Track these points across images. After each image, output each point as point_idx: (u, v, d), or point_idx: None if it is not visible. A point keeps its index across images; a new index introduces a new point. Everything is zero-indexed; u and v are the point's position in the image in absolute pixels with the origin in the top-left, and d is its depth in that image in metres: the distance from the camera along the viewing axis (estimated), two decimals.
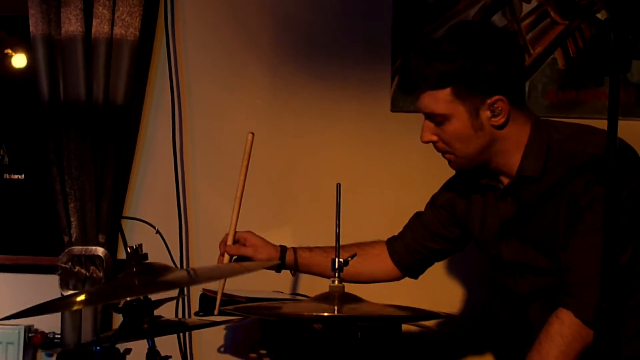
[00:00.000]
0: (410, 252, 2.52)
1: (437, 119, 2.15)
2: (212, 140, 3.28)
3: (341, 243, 2.02)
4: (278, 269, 2.53)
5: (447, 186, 2.46)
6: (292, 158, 3.26)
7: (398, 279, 2.57)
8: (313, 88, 3.25)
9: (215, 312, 2.38)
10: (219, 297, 2.38)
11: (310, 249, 2.55)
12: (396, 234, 2.58)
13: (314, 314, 1.84)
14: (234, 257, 2.44)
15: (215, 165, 3.24)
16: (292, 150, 3.26)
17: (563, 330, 2.04)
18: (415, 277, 2.58)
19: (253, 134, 2.42)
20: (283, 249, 2.52)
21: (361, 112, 3.22)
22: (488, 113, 2.12)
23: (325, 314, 1.81)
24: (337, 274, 1.94)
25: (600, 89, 3.00)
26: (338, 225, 1.98)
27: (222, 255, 2.44)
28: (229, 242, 2.43)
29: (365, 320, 1.99)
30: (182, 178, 3.26)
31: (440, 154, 2.24)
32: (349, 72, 3.22)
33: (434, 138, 2.19)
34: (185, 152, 3.27)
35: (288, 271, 2.58)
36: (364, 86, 3.22)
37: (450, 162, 2.24)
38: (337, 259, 1.94)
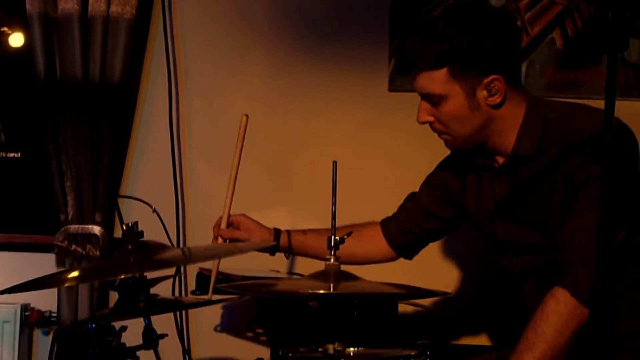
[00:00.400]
0: (404, 233, 2.51)
1: (434, 100, 2.15)
2: (209, 119, 3.27)
3: (337, 223, 2.02)
4: (272, 251, 2.52)
5: (442, 166, 2.46)
6: (290, 138, 3.25)
7: (392, 259, 2.58)
8: (311, 68, 3.23)
9: (209, 294, 2.37)
10: (212, 280, 2.37)
11: (304, 231, 2.55)
12: (392, 213, 2.57)
13: (310, 291, 1.84)
14: (227, 241, 2.43)
15: (212, 144, 3.23)
16: (289, 130, 3.25)
17: (559, 309, 2.03)
18: (410, 257, 2.58)
19: (247, 116, 2.40)
20: (277, 232, 2.51)
21: (359, 92, 3.21)
22: (485, 93, 2.12)
23: (321, 291, 1.80)
24: (332, 252, 1.94)
25: (598, 69, 2.99)
26: (334, 203, 1.98)
27: (215, 238, 2.43)
28: (223, 225, 2.42)
29: (361, 297, 1.99)
30: (179, 157, 3.25)
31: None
32: (347, 51, 3.21)
33: (430, 119, 2.19)
34: (182, 131, 3.26)
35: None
36: (362, 66, 3.21)
37: (446, 143, 2.24)
38: (333, 237, 1.94)
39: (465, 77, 2.10)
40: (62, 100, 3.10)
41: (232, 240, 2.43)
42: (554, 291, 2.06)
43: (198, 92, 3.28)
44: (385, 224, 2.55)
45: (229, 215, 2.43)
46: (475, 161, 2.27)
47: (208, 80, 3.27)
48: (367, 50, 3.18)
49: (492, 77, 2.10)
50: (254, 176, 3.19)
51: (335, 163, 2.01)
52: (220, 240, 2.42)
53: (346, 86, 3.21)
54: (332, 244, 1.93)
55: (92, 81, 3.10)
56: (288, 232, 2.53)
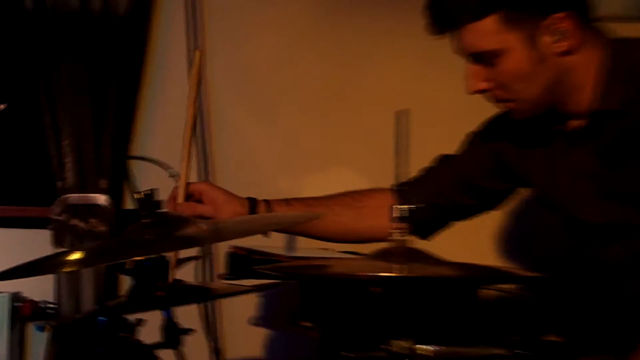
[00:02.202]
0: (428, 205, 2.41)
1: (486, 58, 2.09)
2: (236, 61, 3.27)
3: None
4: None
5: (495, 127, 2.39)
6: (339, 88, 3.31)
7: None
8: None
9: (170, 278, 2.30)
10: (173, 263, 2.27)
11: (287, 201, 2.49)
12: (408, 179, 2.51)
13: (373, 274, 1.82)
14: None
15: (243, 91, 3.24)
16: (337, 79, 3.31)
17: None
18: (425, 237, 2.47)
19: (201, 50, 2.36)
20: (252, 202, 2.45)
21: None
22: (547, 38, 2.05)
23: (388, 274, 1.79)
24: (400, 225, 1.92)
25: None
26: (398, 165, 1.96)
27: None
28: (180, 199, 2.34)
29: (440, 282, 1.97)
30: (200, 108, 3.24)
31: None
32: None
33: (485, 85, 2.13)
34: (205, 74, 3.24)
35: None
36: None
37: (512, 112, 2.18)
38: (399, 205, 1.92)
39: (519, 22, 2.04)
40: (56, 37, 3.13)
41: (195, 217, 2.33)
42: None
43: (223, 28, 3.28)
44: (402, 192, 2.44)
45: (188, 184, 2.35)
46: (541, 126, 2.21)
47: (236, 13, 3.27)
48: None
49: (555, 15, 2.03)
50: (306, 133, 3.21)
51: (399, 115, 1.99)
52: None
53: (402, 31, 3.22)
54: (400, 214, 1.91)
55: (91, 12, 3.12)
56: (267, 202, 2.47)
